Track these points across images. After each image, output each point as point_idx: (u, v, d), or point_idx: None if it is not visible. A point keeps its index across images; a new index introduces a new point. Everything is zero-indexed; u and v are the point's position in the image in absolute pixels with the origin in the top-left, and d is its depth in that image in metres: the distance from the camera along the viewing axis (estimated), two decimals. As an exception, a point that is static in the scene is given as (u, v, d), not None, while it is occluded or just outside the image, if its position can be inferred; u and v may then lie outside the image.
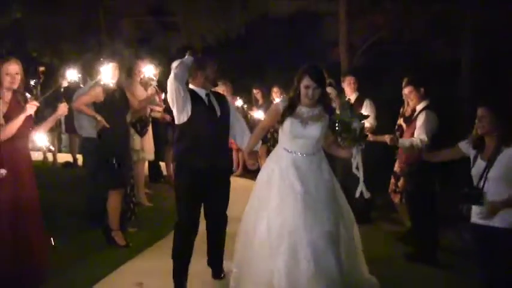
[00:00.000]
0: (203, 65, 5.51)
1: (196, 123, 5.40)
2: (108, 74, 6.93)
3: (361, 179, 5.21)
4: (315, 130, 5.05)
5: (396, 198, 7.61)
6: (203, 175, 5.42)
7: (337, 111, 5.26)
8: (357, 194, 5.26)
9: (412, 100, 7.11)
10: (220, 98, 5.75)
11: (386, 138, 7.02)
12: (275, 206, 4.98)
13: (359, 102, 8.28)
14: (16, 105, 5.65)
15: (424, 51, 12.78)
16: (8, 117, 5.54)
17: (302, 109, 5.10)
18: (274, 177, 5.12)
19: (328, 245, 4.81)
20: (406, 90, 7.10)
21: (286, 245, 4.81)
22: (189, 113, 5.37)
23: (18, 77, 5.60)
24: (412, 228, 7.22)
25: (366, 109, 8.04)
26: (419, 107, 6.92)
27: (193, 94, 5.45)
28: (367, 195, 5.28)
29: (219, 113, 5.56)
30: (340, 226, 5.09)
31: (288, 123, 5.09)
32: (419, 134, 6.70)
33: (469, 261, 5.29)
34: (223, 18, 15.19)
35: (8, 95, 5.63)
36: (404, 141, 6.81)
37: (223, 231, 5.86)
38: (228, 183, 5.81)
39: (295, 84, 5.11)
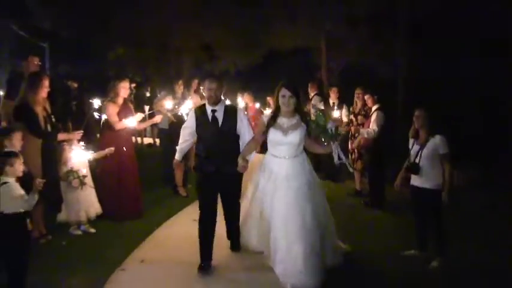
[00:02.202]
0: (203, 85, 4.61)
1: (202, 135, 4.50)
2: (186, 107, 6.83)
3: (347, 161, 4.42)
4: (294, 137, 4.19)
5: (351, 168, 7.60)
6: (212, 177, 4.43)
7: (313, 118, 4.45)
8: (350, 170, 4.93)
9: (364, 102, 7.17)
10: (230, 111, 4.53)
11: (352, 128, 7.27)
12: (269, 198, 4.20)
13: (340, 103, 8.28)
14: (124, 108, 6.01)
15: (375, 72, 12.78)
16: (120, 115, 5.89)
17: (282, 119, 4.24)
18: (267, 177, 4.27)
19: (302, 227, 4.03)
20: (365, 96, 7.13)
21: (276, 226, 4.12)
22: (195, 130, 4.55)
23: (128, 90, 6.09)
24: (369, 185, 7.20)
25: (344, 108, 8.05)
26: (373, 108, 6.93)
27: (202, 111, 4.51)
28: (351, 169, 5.13)
29: (220, 125, 4.43)
30: (318, 209, 4.23)
31: (271, 133, 4.26)
32: (372, 126, 6.78)
33: (407, 208, 5.30)
34: (248, 51, 15.21)
35: (120, 101, 5.96)
36: (363, 131, 6.93)
37: (236, 217, 4.71)
38: (237, 183, 4.62)
39: (275, 96, 4.29)
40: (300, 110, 4.33)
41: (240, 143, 4.52)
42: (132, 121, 5.92)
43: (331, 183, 8.14)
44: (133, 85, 13.52)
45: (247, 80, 16.33)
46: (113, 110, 5.86)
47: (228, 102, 6.55)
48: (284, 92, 4.19)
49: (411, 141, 4.83)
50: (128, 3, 13.17)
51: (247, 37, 14.19)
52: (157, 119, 6.59)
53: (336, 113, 7.44)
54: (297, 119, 4.26)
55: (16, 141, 4.28)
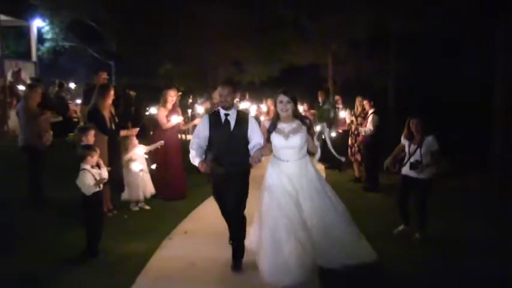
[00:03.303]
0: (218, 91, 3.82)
1: (213, 137, 3.70)
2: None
3: (336, 155, 3.89)
4: (295, 140, 3.61)
5: (351, 159, 7.51)
6: (223, 179, 3.69)
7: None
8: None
9: (363, 106, 7.07)
10: (242, 116, 3.74)
11: (352, 127, 7.28)
12: (276, 202, 3.50)
13: (344, 108, 8.28)
14: (173, 111, 6.04)
15: (371, 83, 12.74)
16: (168, 118, 5.95)
17: (283, 125, 3.67)
18: (272, 180, 3.62)
19: (308, 228, 3.48)
20: (364, 102, 7.05)
21: (284, 228, 3.41)
22: (208, 133, 3.72)
23: (175, 98, 6.02)
24: (366, 173, 7.16)
25: (348, 112, 7.98)
26: (370, 111, 6.87)
27: (215, 115, 3.75)
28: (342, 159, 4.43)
29: (232, 128, 3.66)
30: (327, 208, 3.66)
31: (273, 138, 3.68)
32: (369, 126, 6.75)
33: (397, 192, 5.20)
34: (269, 65, 15.20)
35: (169, 106, 6.02)
36: (361, 129, 6.90)
37: (241, 229, 3.81)
38: (244, 185, 3.71)
39: (274, 103, 3.68)
40: (298, 115, 3.74)
41: (250, 146, 3.68)
42: (175, 119, 5.98)
43: (336, 172, 8.09)
44: (179, 93, 13.64)
45: (270, 89, 16.30)
46: (162, 113, 5.95)
47: (243, 106, 6.39)
48: (281, 98, 3.63)
49: (406, 142, 4.66)
50: (175, 30, 13.38)
51: (270, 55, 14.23)
52: (197, 121, 6.64)
53: (341, 114, 7.58)
54: (297, 123, 3.67)
55: (90, 137, 4.41)
